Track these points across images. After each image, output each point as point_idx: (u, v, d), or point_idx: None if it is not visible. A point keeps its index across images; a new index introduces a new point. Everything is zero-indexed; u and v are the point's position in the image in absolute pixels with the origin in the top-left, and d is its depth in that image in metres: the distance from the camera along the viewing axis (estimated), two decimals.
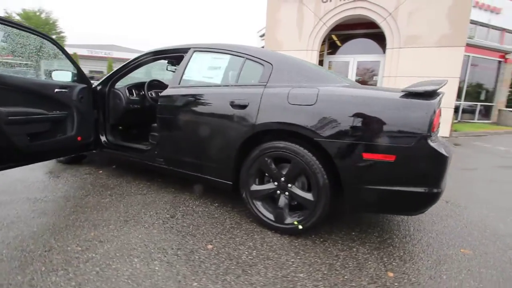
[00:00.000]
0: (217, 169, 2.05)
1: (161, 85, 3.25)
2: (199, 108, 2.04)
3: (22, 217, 1.83)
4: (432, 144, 1.40)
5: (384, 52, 7.12)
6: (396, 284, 1.33)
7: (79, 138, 2.44)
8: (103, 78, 2.78)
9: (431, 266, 1.50)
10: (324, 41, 8.18)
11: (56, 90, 2.20)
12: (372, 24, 7.14)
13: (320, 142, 1.60)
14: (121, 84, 2.89)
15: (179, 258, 1.46)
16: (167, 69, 3.08)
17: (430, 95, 1.47)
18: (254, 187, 1.90)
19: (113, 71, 2.74)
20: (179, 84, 2.23)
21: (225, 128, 1.93)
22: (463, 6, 5.98)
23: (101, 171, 2.88)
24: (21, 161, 2.00)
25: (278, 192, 1.82)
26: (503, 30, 14.21)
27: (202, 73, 2.24)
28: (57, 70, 2.47)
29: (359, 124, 1.51)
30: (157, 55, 2.55)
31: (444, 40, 6.18)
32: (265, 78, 1.89)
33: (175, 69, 3.13)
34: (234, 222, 1.92)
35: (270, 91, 1.81)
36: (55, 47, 2.21)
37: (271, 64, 1.91)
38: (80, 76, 2.48)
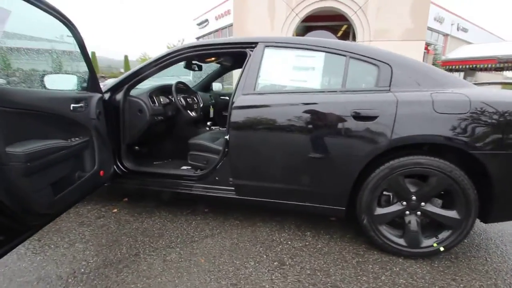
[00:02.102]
0: (326, 194, 1.64)
1: (188, 90, 2.54)
2: (301, 122, 1.56)
3: None
4: None
5: None
6: None
7: (101, 173, 1.66)
8: (113, 83, 1.97)
9: None
10: (295, 34, 8.04)
11: (72, 105, 1.41)
12: (342, 17, 7.29)
13: (476, 155, 1.40)
14: (136, 90, 2.11)
15: None
16: (188, 68, 2.42)
17: None
18: (379, 210, 1.58)
19: (130, 73, 1.96)
20: (254, 90, 1.69)
21: (342, 145, 1.53)
22: (423, 3, 6.56)
23: (115, 210, 2.09)
24: (36, 229, 1.21)
25: (408, 212, 1.57)
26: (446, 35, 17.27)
27: (286, 75, 1.74)
28: (50, 72, 1.63)
29: None
30: (201, 50, 1.91)
31: (407, 34, 6.71)
32: (385, 81, 1.55)
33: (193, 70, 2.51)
34: (355, 255, 1.59)
35: (405, 98, 1.48)
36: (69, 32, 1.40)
37: (389, 65, 1.57)
38: (93, 81, 1.67)
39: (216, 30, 19.30)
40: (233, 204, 2.00)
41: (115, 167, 1.98)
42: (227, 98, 3.41)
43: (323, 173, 1.60)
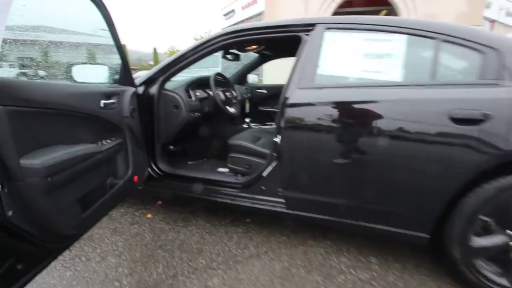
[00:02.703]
0: (407, 216, 1.31)
1: (226, 82, 2.28)
2: (375, 124, 1.23)
3: None
4: None
5: None
6: None
7: (136, 179, 1.46)
8: (146, 75, 1.76)
9: None
10: None
11: (102, 102, 1.19)
12: (384, 1, 6.61)
13: None
14: (171, 83, 1.89)
15: None
16: (224, 57, 2.15)
17: None
18: (476, 241, 1.22)
19: (165, 64, 1.73)
20: (313, 83, 1.37)
21: (434, 156, 1.18)
22: None
23: (149, 215, 1.91)
24: (60, 252, 1.01)
25: None
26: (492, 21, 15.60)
27: (353, 64, 1.40)
28: (79, 63, 1.44)
29: None
30: (244, 36, 1.62)
31: (461, 19, 5.92)
32: (492, 72, 1.17)
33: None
34: None
35: None
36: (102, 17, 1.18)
37: (498, 51, 1.17)
38: (126, 72, 1.46)
39: (242, 21, 18.95)
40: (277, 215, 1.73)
41: (149, 169, 1.79)
42: (264, 91, 3.11)
43: (405, 191, 1.27)
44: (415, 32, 1.30)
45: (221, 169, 2.11)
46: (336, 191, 1.39)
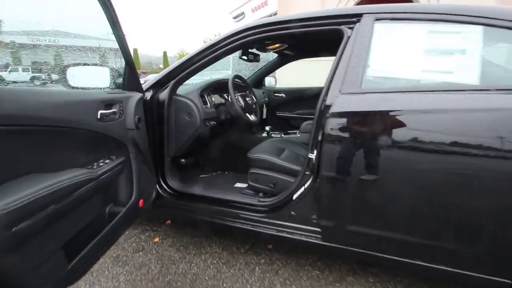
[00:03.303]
0: (480, 256, 1.01)
1: (246, 86, 2.03)
2: (448, 139, 0.95)
3: None
4: None
5: None
6: None
7: (141, 203, 1.21)
8: (156, 78, 1.51)
9: None
10: None
11: (99, 112, 0.95)
12: None
13: None
14: (184, 87, 1.65)
15: None
16: (241, 58, 1.90)
17: None
18: None
19: (176, 65, 1.48)
20: (360, 86, 1.10)
21: None
22: None
23: (157, 239, 1.66)
24: None
25: None
26: None
27: (413, 64, 1.12)
28: (74, 64, 1.20)
29: None
30: (270, 31, 1.35)
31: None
32: None
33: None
34: None
35: None
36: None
37: None
38: (130, 75, 1.21)
39: None
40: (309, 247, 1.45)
41: (157, 186, 1.55)
42: (283, 95, 2.84)
43: (487, 225, 0.97)
44: (493, 22, 1.01)
45: (239, 185, 1.85)
46: (391, 222, 1.10)
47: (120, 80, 1.21)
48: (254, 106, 1.97)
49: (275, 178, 1.52)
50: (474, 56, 1.02)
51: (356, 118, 1.07)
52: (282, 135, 2.05)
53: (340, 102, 1.08)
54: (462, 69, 1.04)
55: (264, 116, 2.73)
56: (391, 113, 1.02)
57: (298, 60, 2.55)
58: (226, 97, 1.83)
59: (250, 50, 1.95)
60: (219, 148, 2.12)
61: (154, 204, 1.54)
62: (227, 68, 7.01)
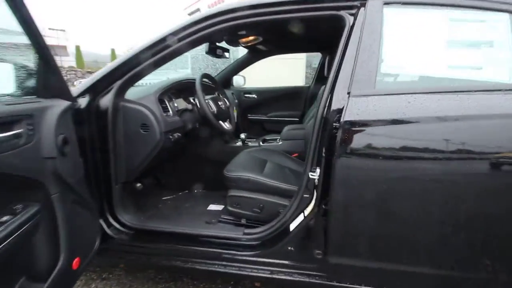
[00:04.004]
0: None
1: (217, 87, 1.68)
2: (488, 151, 0.75)
3: None
4: None
5: None
6: None
7: (75, 264, 0.81)
8: (93, 79, 1.09)
9: None
10: None
11: None
12: None
13: None
14: (135, 89, 1.25)
15: None
16: (208, 54, 1.57)
17: None
18: None
19: (122, 61, 1.08)
20: (375, 86, 0.86)
21: None
22: None
23: None
24: None
25: None
26: None
27: (433, 58, 0.91)
28: None
29: None
30: (249, 17, 1.05)
31: None
32: None
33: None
34: None
35: None
36: None
37: None
38: (49, 75, 0.80)
39: None
40: None
41: (103, 223, 1.14)
42: (254, 96, 2.55)
43: None
44: None
45: (213, 207, 1.53)
46: (427, 257, 0.88)
47: (31, 83, 0.79)
48: (228, 112, 1.65)
49: (261, 201, 1.23)
50: (504, 48, 0.85)
51: (380, 129, 0.82)
52: (261, 143, 1.76)
53: (354, 107, 0.83)
54: (492, 64, 0.86)
55: (235, 120, 2.42)
56: (431, 122, 0.79)
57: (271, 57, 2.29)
58: (193, 101, 1.47)
59: (218, 44, 1.62)
60: (185, 163, 1.75)
61: (100, 251, 1.14)
62: (184, 66, 6.41)
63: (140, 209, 1.40)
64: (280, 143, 1.72)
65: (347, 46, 0.91)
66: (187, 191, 1.75)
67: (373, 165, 0.82)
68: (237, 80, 2.64)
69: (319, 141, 0.92)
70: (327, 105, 0.91)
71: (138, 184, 1.38)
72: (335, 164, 0.83)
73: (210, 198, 1.65)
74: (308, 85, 2.57)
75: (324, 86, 2.16)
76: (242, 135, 1.75)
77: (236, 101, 2.39)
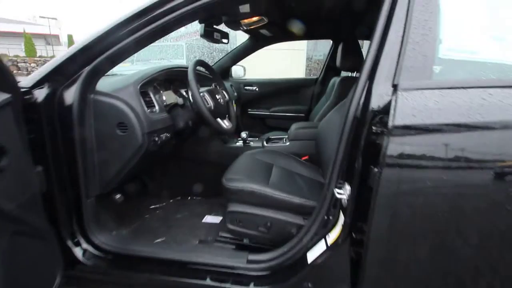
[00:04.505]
0: None
1: (214, 78, 1.42)
2: None
3: None
4: None
5: None
6: None
7: None
8: (52, 64, 0.84)
9: None
10: None
11: None
12: None
13: None
14: (108, 78, 1.00)
15: None
16: (203, 37, 1.31)
17: None
18: None
19: (89, 42, 0.83)
20: (431, 76, 0.62)
21: None
22: None
23: None
24: None
25: None
26: None
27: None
28: None
29: None
30: None
31: None
32: None
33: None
34: None
35: None
36: None
37: None
38: None
39: None
40: None
41: (72, 246, 0.91)
42: (255, 88, 2.30)
43: None
44: None
45: (209, 219, 1.31)
46: None
47: None
48: (227, 107, 1.40)
49: (269, 218, 1.00)
50: None
51: (447, 137, 0.58)
52: (265, 144, 1.52)
53: (407, 105, 0.59)
54: None
55: (235, 117, 2.17)
56: None
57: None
58: (185, 94, 1.22)
59: (216, 27, 1.36)
60: (177, 165, 1.52)
61: (68, 280, 0.91)
62: (179, 55, 6.02)
63: (122, 222, 1.17)
64: (288, 143, 1.49)
65: (389, 23, 0.67)
66: (179, 198, 1.52)
67: (437, 186, 0.59)
68: (236, 70, 2.37)
69: (349, 148, 0.70)
70: (361, 102, 0.67)
71: (118, 196, 1.14)
72: (380, 183, 0.60)
73: (206, 207, 1.43)
74: (315, 77, 2.33)
75: (335, 78, 1.92)
76: (243, 134, 1.51)
77: (235, 94, 2.14)
